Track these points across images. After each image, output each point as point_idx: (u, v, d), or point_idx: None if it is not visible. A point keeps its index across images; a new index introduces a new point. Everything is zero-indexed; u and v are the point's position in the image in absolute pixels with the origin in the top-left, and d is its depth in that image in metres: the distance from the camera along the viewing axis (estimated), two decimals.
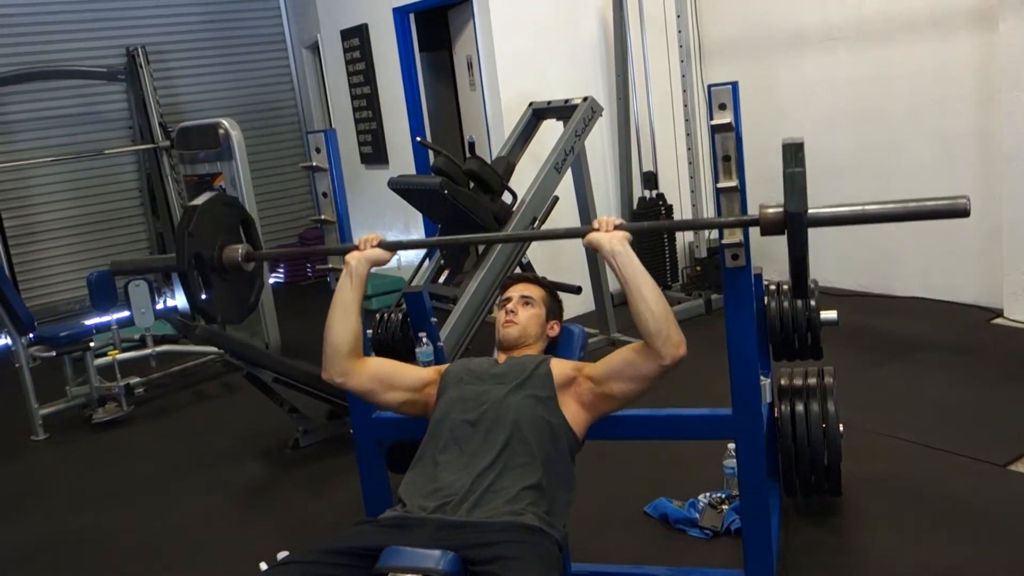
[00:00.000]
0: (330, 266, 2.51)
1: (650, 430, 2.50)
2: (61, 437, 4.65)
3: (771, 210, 1.96)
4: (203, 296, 2.30)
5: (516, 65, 5.41)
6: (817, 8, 5.32)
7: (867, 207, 1.96)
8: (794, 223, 1.90)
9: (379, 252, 2.27)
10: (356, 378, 2.20)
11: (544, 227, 4.16)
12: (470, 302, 3.83)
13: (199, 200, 2.32)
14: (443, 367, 2.32)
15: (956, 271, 4.94)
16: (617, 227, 2.08)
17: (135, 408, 4.84)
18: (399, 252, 7.78)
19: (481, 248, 4.20)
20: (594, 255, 4.74)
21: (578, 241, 5.15)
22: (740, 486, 2.34)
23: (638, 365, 2.04)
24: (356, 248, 2.28)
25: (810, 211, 1.90)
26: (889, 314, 5.00)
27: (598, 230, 2.09)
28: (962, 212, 1.85)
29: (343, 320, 2.21)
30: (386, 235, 7.54)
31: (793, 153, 1.89)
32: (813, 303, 3.06)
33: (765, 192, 4.28)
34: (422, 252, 5.82)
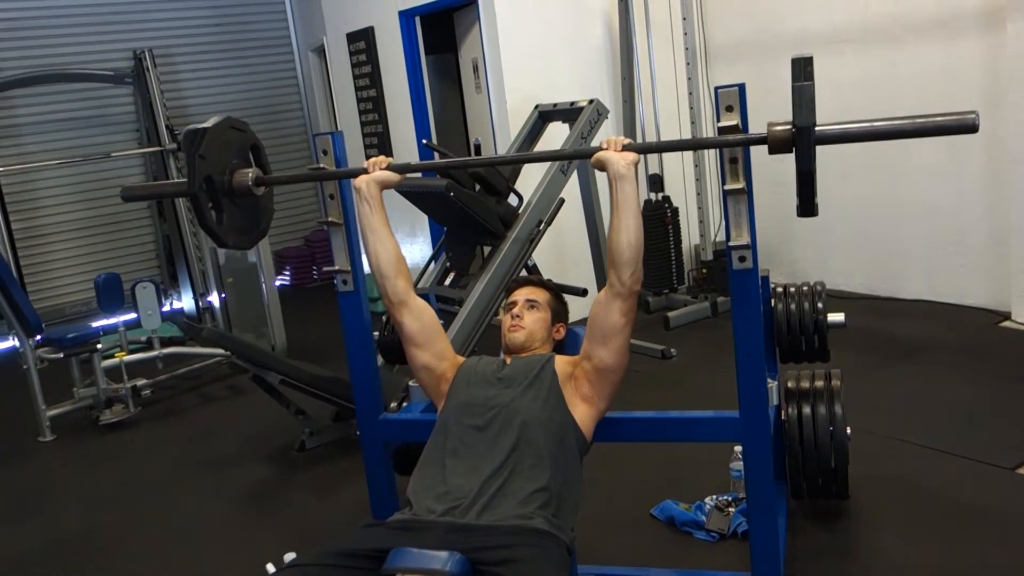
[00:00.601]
0: (337, 268, 2.51)
1: (657, 432, 2.50)
2: (68, 438, 4.66)
3: (779, 127, 1.95)
4: (215, 219, 2.28)
5: (522, 67, 5.41)
6: (823, 10, 5.31)
7: (875, 123, 1.94)
8: (803, 137, 1.88)
9: (387, 173, 2.30)
10: (410, 313, 2.28)
11: (550, 229, 4.15)
12: (476, 304, 3.83)
13: (208, 123, 2.30)
14: (460, 360, 2.34)
15: (964, 274, 4.92)
16: (625, 147, 2.11)
17: (142, 410, 4.85)
18: (405, 256, 7.74)
19: (487, 251, 4.20)
20: (600, 255, 4.75)
21: (584, 243, 5.16)
22: (747, 489, 2.33)
23: (604, 317, 2.12)
24: (365, 171, 2.30)
25: (818, 128, 1.89)
26: (897, 317, 4.99)
27: (606, 149, 2.12)
28: (970, 127, 1.82)
29: (375, 242, 2.28)
30: None
31: (802, 67, 1.87)
32: (820, 305, 3.05)
33: (772, 195, 4.27)
34: (428, 253, 5.82)
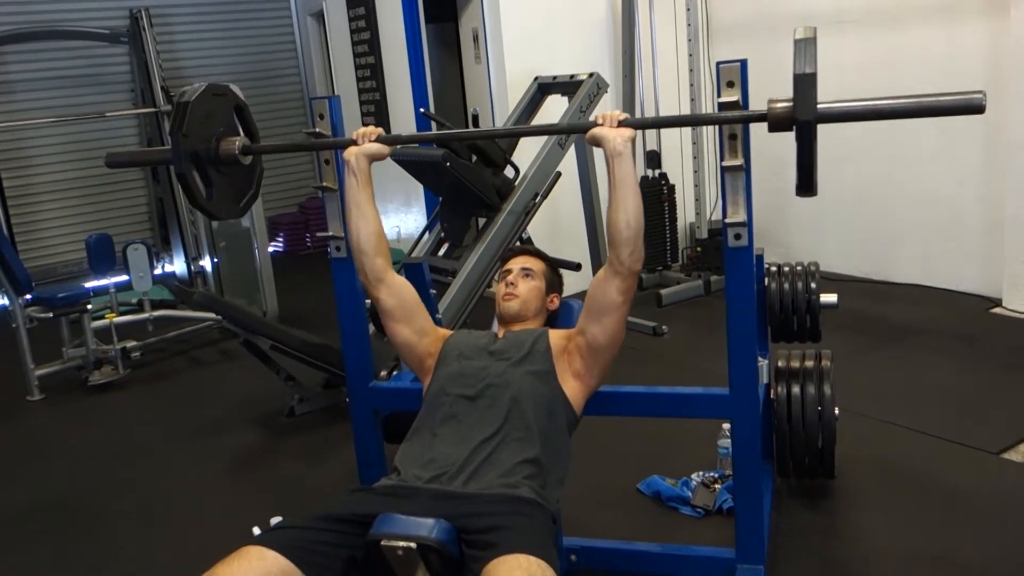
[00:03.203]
0: (331, 234, 2.50)
1: (647, 408, 2.50)
2: (56, 398, 4.66)
3: (780, 105, 1.89)
4: (204, 195, 2.26)
5: (522, 39, 5.36)
6: None
7: (878, 102, 1.89)
8: (803, 129, 1.84)
9: (377, 146, 2.25)
10: (387, 290, 2.24)
11: (546, 203, 4.14)
12: (469, 275, 3.82)
13: (190, 95, 2.23)
14: (446, 333, 2.32)
15: (957, 259, 4.93)
16: (621, 123, 2.07)
17: (131, 372, 4.84)
18: (399, 225, 7.67)
19: (481, 223, 4.18)
20: (595, 230, 4.74)
21: (579, 218, 5.14)
22: (734, 466, 2.34)
23: (601, 294, 2.09)
24: (354, 143, 2.25)
25: (820, 106, 1.83)
26: (889, 300, 5.00)
27: (602, 124, 2.08)
28: (977, 108, 1.79)
29: (359, 217, 2.24)
30: (386, 208, 7.45)
31: (804, 50, 1.81)
32: (814, 285, 3.05)
33: (770, 174, 4.25)
34: (423, 223, 5.80)
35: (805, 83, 1.82)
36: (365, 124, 7.28)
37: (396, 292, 2.26)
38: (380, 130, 2.27)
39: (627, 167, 2.04)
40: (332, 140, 2.42)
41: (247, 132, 2.42)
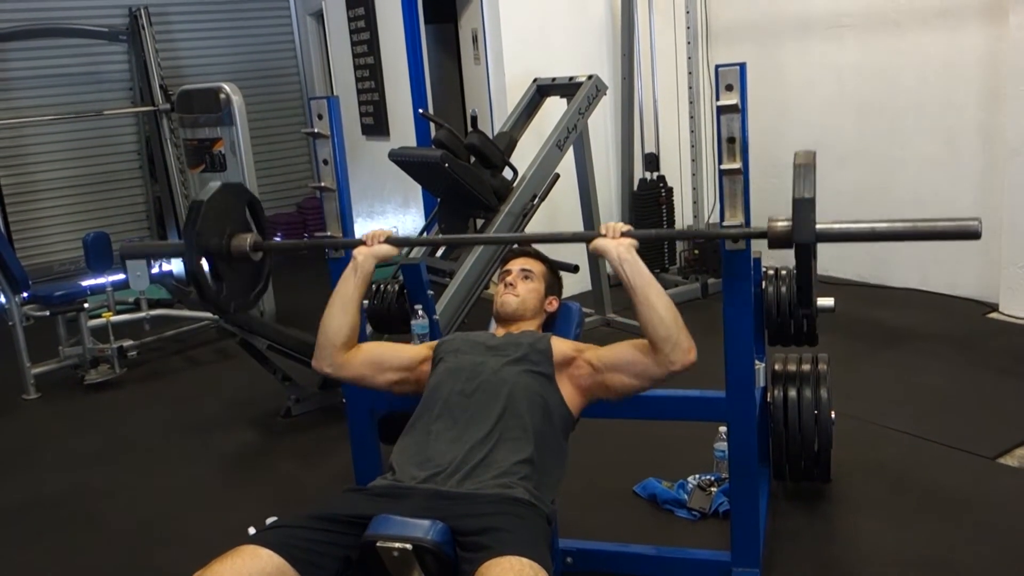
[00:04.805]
0: (328, 234, 2.50)
1: (643, 410, 2.49)
2: (53, 397, 4.65)
3: (780, 225, 1.96)
4: (215, 289, 2.28)
5: (521, 40, 5.37)
6: None
7: (876, 225, 1.97)
8: (802, 251, 1.91)
9: (386, 248, 2.28)
10: (347, 369, 2.23)
11: (544, 205, 4.14)
12: (467, 276, 3.82)
13: (204, 194, 2.28)
14: (435, 342, 2.32)
15: (954, 264, 4.93)
16: (624, 234, 2.08)
17: (128, 371, 4.83)
18: (397, 226, 7.69)
19: (480, 223, 4.19)
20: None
21: (577, 217, 5.14)
22: (730, 469, 2.35)
23: (645, 364, 2.05)
24: (363, 243, 2.28)
25: (819, 226, 1.89)
26: (886, 305, 5.00)
27: (604, 236, 2.09)
28: (973, 234, 1.85)
29: (341, 313, 2.22)
30: (384, 208, 7.43)
31: (803, 174, 1.87)
32: None
33: (768, 178, 4.26)
34: (420, 224, 5.81)
35: (804, 207, 1.88)
36: (364, 124, 7.30)
37: (359, 360, 2.24)
38: (390, 231, 2.32)
39: (637, 269, 2.04)
40: (342, 240, 2.45)
41: (258, 227, 2.44)
